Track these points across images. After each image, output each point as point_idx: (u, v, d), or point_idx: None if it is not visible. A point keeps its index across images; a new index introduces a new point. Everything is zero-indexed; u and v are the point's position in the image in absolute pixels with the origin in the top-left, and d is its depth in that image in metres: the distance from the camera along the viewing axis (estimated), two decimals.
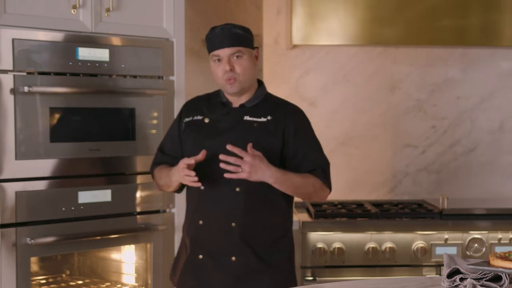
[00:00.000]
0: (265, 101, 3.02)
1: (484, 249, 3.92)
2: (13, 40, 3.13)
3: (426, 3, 4.28)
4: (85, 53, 3.35)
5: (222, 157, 2.79)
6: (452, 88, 4.62)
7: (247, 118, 2.95)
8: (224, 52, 2.91)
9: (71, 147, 3.33)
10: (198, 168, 2.90)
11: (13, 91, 3.14)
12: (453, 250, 3.89)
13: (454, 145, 4.64)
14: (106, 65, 3.42)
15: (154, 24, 3.59)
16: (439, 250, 3.90)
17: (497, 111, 4.64)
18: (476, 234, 3.94)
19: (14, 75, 3.15)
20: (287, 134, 2.94)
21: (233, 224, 2.91)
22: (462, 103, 4.63)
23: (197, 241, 2.98)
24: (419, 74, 4.61)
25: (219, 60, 2.93)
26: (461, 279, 2.40)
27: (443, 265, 2.72)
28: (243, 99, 3.00)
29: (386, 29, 4.27)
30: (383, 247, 3.90)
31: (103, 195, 3.42)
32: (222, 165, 2.79)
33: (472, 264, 2.42)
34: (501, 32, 4.33)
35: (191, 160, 2.84)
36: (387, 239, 3.91)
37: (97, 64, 3.39)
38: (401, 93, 4.61)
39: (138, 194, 3.54)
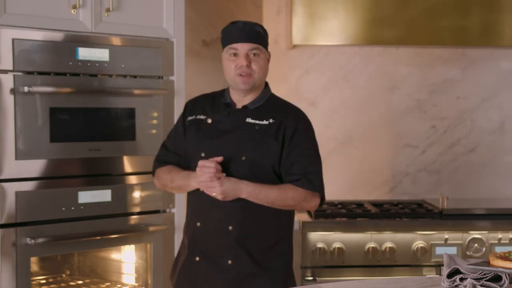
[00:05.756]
0: (268, 103, 2.98)
1: (484, 249, 3.92)
2: (13, 40, 3.13)
3: (426, 3, 4.28)
4: (85, 53, 3.35)
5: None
6: (452, 88, 4.63)
7: (249, 120, 2.92)
8: (243, 47, 2.90)
9: (71, 147, 3.33)
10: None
11: (13, 91, 3.14)
12: (453, 250, 3.89)
13: (454, 145, 4.65)
14: (106, 65, 3.42)
15: (154, 24, 3.59)
16: (439, 250, 3.90)
17: (497, 111, 4.64)
18: (476, 234, 3.94)
19: (14, 75, 3.15)
20: (285, 137, 2.91)
21: (230, 227, 2.89)
22: (462, 103, 4.63)
23: (195, 243, 2.98)
24: (419, 74, 4.61)
25: (235, 54, 2.91)
26: (461, 279, 2.40)
27: (443, 265, 2.72)
28: (247, 100, 2.97)
29: (386, 29, 4.28)
30: (383, 247, 3.90)
31: (103, 195, 3.42)
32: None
33: (472, 264, 2.42)
34: (501, 32, 4.33)
35: (216, 165, 2.84)
36: (387, 239, 3.91)
37: (97, 64, 3.39)
38: (401, 93, 4.61)
39: (138, 194, 3.54)
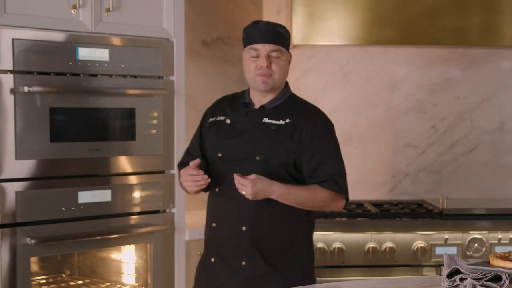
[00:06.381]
0: (287, 103, 2.96)
1: (484, 249, 3.92)
2: (13, 40, 3.13)
3: (426, 3, 4.28)
4: (85, 53, 3.35)
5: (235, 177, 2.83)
6: (452, 88, 4.63)
7: (265, 120, 2.90)
8: (264, 48, 2.87)
9: (71, 147, 3.33)
10: (213, 170, 2.94)
11: (13, 91, 3.14)
12: (453, 250, 3.89)
13: (454, 145, 4.65)
14: (106, 65, 3.42)
15: (154, 24, 3.59)
16: (439, 250, 3.90)
17: (497, 111, 4.64)
18: (476, 234, 3.94)
19: (14, 75, 3.15)
20: (303, 139, 2.87)
21: (243, 228, 2.88)
22: (462, 103, 4.63)
23: (211, 243, 2.99)
24: (419, 74, 4.61)
25: (256, 55, 2.89)
26: (461, 279, 2.40)
27: (443, 265, 2.72)
28: (265, 100, 2.95)
29: (386, 29, 4.28)
30: (383, 247, 3.90)
31: (103, 195, 3.42)
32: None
33: (472, 264, 2.42)
34: (501, 32, 4.33)
35: (192, 171, 2.85)
36: (387, 239, 3.91)
37: (97, 64, 3.39)
38: (401, 93, 4.61)
39: (138, 194, 3.54)
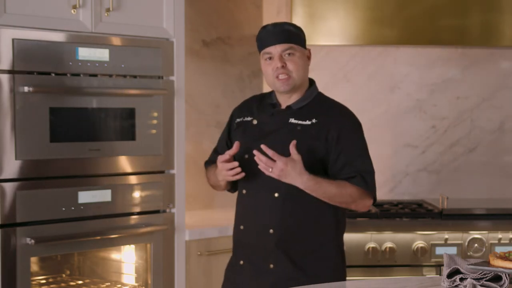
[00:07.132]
0: (313, 103, 2.93)
1: (484, 249, 3.92)
2: (13, 40, 3.13)
3: (426, 3, 4.28)
4: (85, 53, 3.35)
5: (255, 152, 2.76)
6: (452, 88, 4.62)
7: (292, 120, 2.88)
8: (276, 49, 2.85)
9: (71, 147, 3.33)
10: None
11: (13, 91, 3.14)
12: (453, 250, 3.89)
13: (454, 145, 4.65)
14: (106, 65, 3.42)
15: (154, 24, 3.59)
16: (439, 250, 3.90)
17: (497, 111, 4.64)
18: (476, 234, 3.94)
19: (14, 75, 3.15)
20: (330, 139, 2.84)
21: (271, 230, 2.85)
22: (462, 103, 4.63)
23: (239, 246, 2.97)
24: (419, 74, 4.61)
25: (270, 58, 2.86)
26: (461, 279, 2.40)
27: (443, 265, 2.72)
28: (291, 101, 2.92)
29: (386, 29, 4.28)
30: (383, 247, 3.90)
31: (103, 195, 3.42)
32: (256, 159, 2.76)
33: (472, 264, 2.42)
34: (501, 32, 4.33)
35: (225, 156, 2.82)
36: (387, 239, 3.91)
37: (97, 64, 3.39)
38: (401, 93, 4.61)
39: (138, 194, 3.54)
